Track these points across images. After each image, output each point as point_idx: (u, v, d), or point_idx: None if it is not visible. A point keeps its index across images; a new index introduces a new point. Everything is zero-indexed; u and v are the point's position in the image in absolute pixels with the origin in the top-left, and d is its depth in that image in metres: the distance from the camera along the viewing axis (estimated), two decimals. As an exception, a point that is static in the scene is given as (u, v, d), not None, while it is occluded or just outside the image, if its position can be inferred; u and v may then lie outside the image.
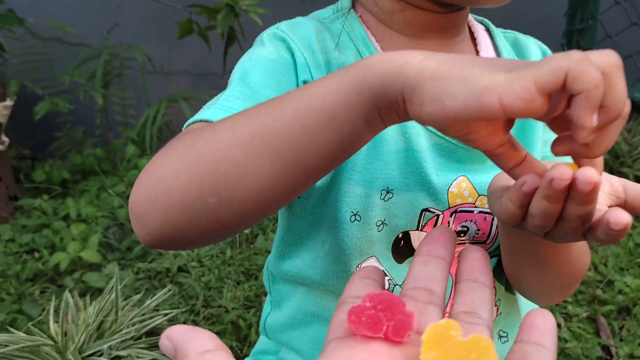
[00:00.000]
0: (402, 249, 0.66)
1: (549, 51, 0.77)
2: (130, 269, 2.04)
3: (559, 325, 1.76)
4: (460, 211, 0.65)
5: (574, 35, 2.50)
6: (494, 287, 0.76)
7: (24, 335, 1.58)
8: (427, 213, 0.65)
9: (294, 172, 0.42)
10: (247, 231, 2.25)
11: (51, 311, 1.64)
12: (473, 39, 0.72)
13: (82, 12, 3.34)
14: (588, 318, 1.79)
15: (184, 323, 1.75)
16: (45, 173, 2.74)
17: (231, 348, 1.67)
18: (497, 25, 0.76)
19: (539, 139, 0.69)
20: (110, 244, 2.18)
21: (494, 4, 0.60)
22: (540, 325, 0.32)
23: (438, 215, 0.65)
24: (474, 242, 0.68)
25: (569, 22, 2.57)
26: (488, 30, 0.74)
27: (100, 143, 3.20)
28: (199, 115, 0.57)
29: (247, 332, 1.71)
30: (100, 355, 1.49)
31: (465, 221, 0.66)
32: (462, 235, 0.67)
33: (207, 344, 0.28)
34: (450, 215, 0.65)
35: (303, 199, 0.67)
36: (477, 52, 0.70)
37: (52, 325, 1.59)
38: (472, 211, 0.66)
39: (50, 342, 1.53)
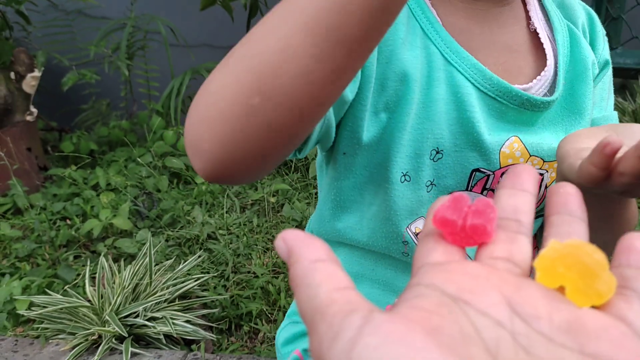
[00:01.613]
0: None
1: (594, 14, 0.76)
2: (160, 236, 2.08)
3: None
4: None
5: (603, 2, 2.45)
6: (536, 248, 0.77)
7: (61, 297, 1.63)
8: (478, 173, 0.65)
9: (331, 46, 0.38)
10: (273, 200, 2.27)
11: (87, 275, 1.69)
12: (523, 1, 0.71)
13: (104, -16, 3.35)
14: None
15: (215, 288, 1.79)
16: (73, 144, 2.78)
17: (261, 312, 1.71)
18: None
19: (590, 102, 0.70)
20: (140, 212, 2.22)
21: None
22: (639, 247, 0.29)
23: (488, 176, 0.66)
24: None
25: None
26: None
27: (125, 115, 3.24)
28: None
29: (276, 297, 1.74)
30: (136, 317, 1.54)
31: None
32: None
33: (320, 253, 0.27)
34: (501, 176, 0.65)
35: (349, 156, 0.66)
36: (527, 13, 0.70)
37: (88, 288, 1.64)
38: None
39: (87, 304, 1.58)
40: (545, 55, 0.68)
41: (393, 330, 0.22)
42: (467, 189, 0.66)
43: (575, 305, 0.26)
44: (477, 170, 0.65)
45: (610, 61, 0.75)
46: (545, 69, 0.67)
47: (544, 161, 0.67)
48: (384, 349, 0.21)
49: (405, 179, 0.64)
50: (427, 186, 0.65)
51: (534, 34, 0.69)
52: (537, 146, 0.66)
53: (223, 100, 0.41)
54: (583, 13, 0.75)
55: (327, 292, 0.25)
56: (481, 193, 0.66)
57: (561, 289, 0.27)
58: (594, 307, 0.27)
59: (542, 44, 0.68)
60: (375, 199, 0.67)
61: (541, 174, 0.67)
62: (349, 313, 0.23)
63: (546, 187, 0.67)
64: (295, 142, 0.45)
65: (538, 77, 0.66)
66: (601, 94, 0.74)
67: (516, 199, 0.32)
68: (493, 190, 0.66)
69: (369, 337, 0.22)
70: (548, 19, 0.71)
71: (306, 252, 0.27)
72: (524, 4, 0.71)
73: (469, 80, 0.63)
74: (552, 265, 0.27)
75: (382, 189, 0.66)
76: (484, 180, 0.66)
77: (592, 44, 0.73)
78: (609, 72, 0.75)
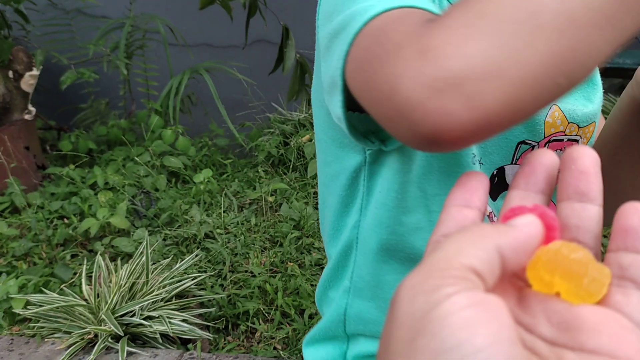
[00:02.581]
0: (496, 185, 0.66)
1: None
2: (157, 235, 2.07)
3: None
4: (553, 140, 0.66)
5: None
6: None
7: (57, 296, 1.62)
8: (523, 145, 0.64)
9: (621, 42, 0.40)
10: (271, 199, 2.27)
11: (83, 274, 1.68)
12: None
13: (103, -17, 3.34)
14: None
15: (212, 287, 1.78)
16: (71, 143, 2.78)
17: (258, 311, 1.70)
18: None
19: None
20: (137, 211, 2.21)
21: None
22: (638, 228, 0.27)
23: (533, 147, 0.65)
24: None
25: None
26: None
27: (123, 114, 3.23)
28: (382, 5, 0.46)
29: (273, 296, 1.74)
30: (133, 316, 1.53)
31: (556, 150, 0.66)
32: None
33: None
34: (544, 146, 0.66)
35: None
36: None
37: (84, 287, 1.63)
38: (562, 139, 0.66)
39: (84, 303, 1.57)
40: None
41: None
42: (512, 162, 0.65)
43: (572, 304, 0.26)
44: (523, 142, 0.64)
45: None
46: None
47: (579, 127, 0.67)
48: None
49: (475, 160, 0.62)
50: (474, 165, 0.64)
51: None
52: (573, 112, 0.66)
53: (535, 64, 0.36)
54: None
55: None
56: None
57: (558, 293, 0.27)
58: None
59: None
60: (442, 188, 0.64)
61: (576, 140, 0.68)
62: None
63: None
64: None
65: None
66: None
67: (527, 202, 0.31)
68: None
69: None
70: None
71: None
72: None
73: None
74: (539, 275, 0.27)
75: (452, 174, 0.62)
76: (529, 151, 0.65)
77: None
78: None
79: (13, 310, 1.64)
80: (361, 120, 0.61)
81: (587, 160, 0.30)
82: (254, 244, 2.00)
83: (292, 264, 1.89)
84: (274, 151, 2.63)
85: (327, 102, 0.57)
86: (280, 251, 1.95)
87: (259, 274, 1.83)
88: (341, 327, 0.75)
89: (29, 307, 1.62)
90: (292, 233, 2.03)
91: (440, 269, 0.24)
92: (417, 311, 0.23)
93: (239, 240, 2.02)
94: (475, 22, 0.38)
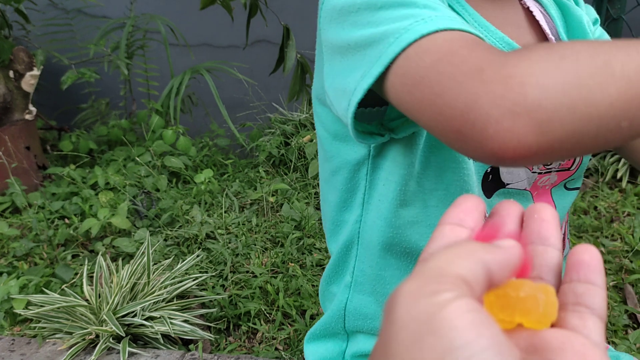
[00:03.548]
0: (490, 183, 0.67)
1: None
2: (159, 235, 2.07)
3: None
4: None
5: (603, 3, 2.45)
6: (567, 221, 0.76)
7: (58, 296, 1.62)
8: None
9: None
10: (272, 199, 2.27)
11: (84, 274, 1.68)
12: None
13: (104, -17, 3.34)
14: (615, 287, 1.79)
15: (213, 287, 1.78)
16: (72, 143, 2.77)
17: (260, 312, 1.70)
18: None
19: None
20: (138, 211, 2.21)
21: None
22: (589, 262, 0.31)
23: None
24: (559, 170, 0.69)
25: None
26: None
27: (124, 114, 3.23)
28: (430, 27, 0.49)
29: (274, 296, 1.73)
30: (134, 316, 1.53)
31: None
32: (549, 164, 0.68)
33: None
34: None
35: (417, 136, 0.64)
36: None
37: (85, 287, 1.63)
38: None
39: (85, 303, 1.57)
40: (542, 30, 0.70)
41: None
42: None
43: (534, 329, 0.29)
44: None
45: (599, 19, 0.79)
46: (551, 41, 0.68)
47: None
48: None
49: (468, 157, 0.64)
50: (469, 161, 0.65)
51: (527, 12, 0.71)
52: None
53: (604, 105, 0.41)
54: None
55: None
56: None
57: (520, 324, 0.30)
58: (553, 325, 0.30)
59: (537, 21, 0.70)
60: (438, 183, 0.65)
61: None
62: None
63: None
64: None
65: None
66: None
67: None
68: None
69: None
70: None
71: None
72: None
73: None
74: (499, 318, 0.29)
75: (448, 170, 0.64)
76: None
77: (579, 6, 0.77)
78: (600, 29, 0.79)
79: (14, 311, 1.64)
80: (367, 114, 0.62)
81: (548, 213, 0.34)
82: (255, 245, 2.00)
83: (293, 264, 1.89)
84: (274, 151, 2.63)
85: (333, 102, 0.58)
86: (281, 251, 1.95)
87: (260, 274, 1.82)
88: (341, 323, 0.76)
89: (30, 307, 1.62)
90: (293, 233, 2.03)
91: (436, 276, 0.26)
92: (422, 313, 0.25)
93: (240, 240, 2.02)
94: (556, 61, 0.42)
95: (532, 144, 0.41)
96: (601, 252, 1.93)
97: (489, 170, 0.66)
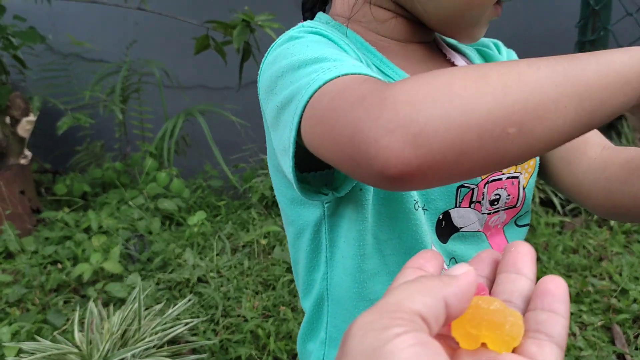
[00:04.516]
0: (445, 228, 0.70)
1: (499, 42, 0.83)
2: (151, 279, 2.08)
3: (574, 335, 1.77)
4: (492, 180, 0.70)
5: (585, 46, 2.52)
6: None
7: (50, 343, 1.62)
8: (462, 189, 0.68)
9: (583, 123, 0.45)
10: (264, 242, 2.29)
11: (76, 320, 1.69)
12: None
13: (100, 28, 3.42)
14: (603, 327, 1.80)
15: (204, 332, 1.79)
16: (66, 186, 2.80)
17: (251, 357, 1.70)
18: (509, 37, 0.83)
19: None
20: (131, 255, 2.23)
21: (467, 41, 0.70)
22: (553, 291, 0.32)
23: (473, 189, 0.69)
24: (506, 208, 0.72)
25: (580, 33, 2.60)
26: None
27: (119, 157, 3.27)
28: (332, 74, 0.52)
29: (265, 340, 1.74)
30: (125, 363, 1.53)
31: (497, 189, 0.70)
32: (495, 203, 0.71)
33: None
34: (484, 187, 0.69)
35: (365, 192, 0.66)
36: (441, 51, 0.77)
37: (77, 334, 1.63)
38: (501, 178, 0.70)
39: (76, 350, 1.57)
40: None
41: None
42: (455, 206, 0.69)
43: (497, 353, 0.31)
44: (462, 186, 0.68)
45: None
46: None
47: (516, 165, 0.71)
48: None
49: (417, 206, 0.66)
50: (417, 210, 0.68)
51: (452, 65, 0.75)
52: None
53: (482, 113, 0.42)
54: (490, 42, 0.83)
55: None
56: (469, 206, 0.70)
57: (484, 344, 0.31)
58: (512, 352, 0.31)
59: None
60: (392, 233, 0.68)
61: (516, 177, 0.71)
62: None
63: (523, 187, 0.72)
64: (500, 168, 0.49)
65: None
66: None
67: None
68: (480, 203, 0.70)
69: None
70: (457, 51, 0.78)
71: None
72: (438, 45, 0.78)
73: None
74: (466, 331, 0.31)
75: (399, 220, 0.67)
76: (470, 194, 0.69)
77: (500, 53, 0.82)
78: None
79: (6, 359, 1.64)
80: (314, 177, 0.65)
81: (525, 248, 0.36)
82: (246, 288, 2.01)
83: (284, 307, 1.90)
84: (267, 192, 2.66)
85: (282, 165, 0.62)
86: (273, 294, 1.96)
87: (251, 318, 1.83)
88: None
89: (21, 355, 1.62)
90: (284, 276, 2.05)
91: (390, 311, 0.27)
92: (368, 347, 0.26)
93: (231, 284, 2.03)
94: (429, 79, 0.45)
95: (411, 158, 0.42)
96: (589, 291, 1.95)
97: (441, 217, 0.69)
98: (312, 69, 0.55)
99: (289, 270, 2.11)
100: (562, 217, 2.51)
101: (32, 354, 1.59)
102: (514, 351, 0.31)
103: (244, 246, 2.34)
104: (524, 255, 0.36)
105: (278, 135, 0.60)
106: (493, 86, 0.43)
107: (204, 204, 2.78)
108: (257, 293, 2.00)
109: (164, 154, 2.84)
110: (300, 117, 0.53)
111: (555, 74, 0.44)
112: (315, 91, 0.52)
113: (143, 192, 2.61)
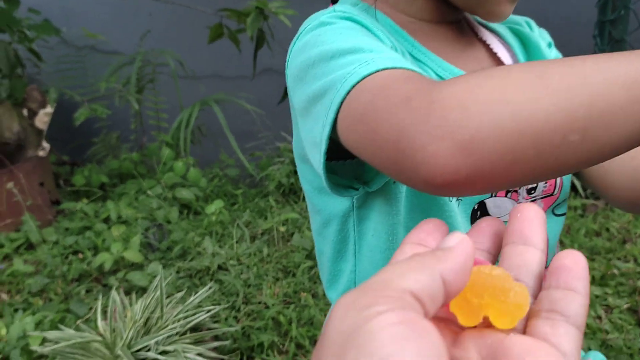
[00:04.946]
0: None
1: (530, 19, 0.80)
2: (171, 267, 2.09)
3: (599, 318, 1.75)
4: None
5: (606, 25, 2.47)
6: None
7: (73, 332, 1.63)
8: None
9: None
10: (283, 229, 2.28)
11: (99, 309, 1.70)
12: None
13: (113, 20, 3.42)
14: (629, 309, 1.78)
15: (226, 319, 1.79)
16: (85, 177, 2.81)
17: (273, 343, 1.70)
18: (528, 15, 0.81)
19: None
20: (150, 244, 2.23)
21: (494, 19, 0.66)
22: (571, 267, 0.29)
23: None
24: (543, 196, 0.69)
25: (600, 12, 2.55)
26: None
27: (135, 147, 3.28)
28: (370, 68, 0.49)
29: (287, 327, 1.74)
30: (148, 351, 1.54)
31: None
32: (532, 192, 0.68)
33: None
34: None
35: (398, 185, 0.65)
36: (472, 30, 0.74)
37: (100, 322, 1.64)
38: None
39: (100, 339, 1.58)
40: (501, 61, 0.71)
41: None
42: (490, 196, 0.67)
43: (500, 332, 0.27)
44: None
45: (552, 42, 0.80)
46: None
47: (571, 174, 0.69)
48: None
49: (450, 198, 0.64)
50: (451, 202, 0.66)
51: (485, 45, 0.73)
52: None
53: (539, 119, 0.39)
54: (522, 20, 0.79)
55: None
56: (505, 196, 0.68)
57: (486, 319, 0.28)
58: (522, 332, 0.28)
59: (495, 53, 0.71)
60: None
61: None
62: None
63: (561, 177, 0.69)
64: (553, 177, 0.45)
65: None
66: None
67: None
68: (517, 191, 0.67)
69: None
70: (490, 30, 0.75)
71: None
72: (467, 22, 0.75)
73: None
74: (467, 301, 0.28)
75: (433, 212, 0.64)
76: None
77: (532, 31, 0.78)
78: (555, 51, 0.80)
79: (30, 348, 1.65)
80: (343, 167, 0.63)
81: (532, 212, 0.32)
82: (266, 275, 2.01)
83: (305, 294, 1.89)
84: (284, 180, 2.65)
85: (310, 158, 0.60)
86: (293, 281, 1.96)
87: (272, 305, 1.83)
88: None
89: (46, 343, 1.63)
90: (304, 263, 2.04)
91: (375, 290, 0.25)
92: (348, 327, 0.23)
93: (251, 271, 2.03)
94: (481, 80, 0.41)
95: (460, 167, 0.40)
96: (614, 274, 1.92)
97: (476, 207, 0.66)
98: (347, 60, 0.52)
99: (308, 257, 2.10)
100: (584, 199, 2.47)
101: (57, 342, 1.60)
102: (524, 332, 0.28)
103: (262, 234, 2.34)
104: (530, 222, 0.32)
105: (308, 127, 0.57)
106: (553, 88, 0.39)
107: (221, 192, 2.78)
108: (277, 280, 1.99)
109: (180, 143, 2.84)
110: (336, 114, 0.50)
111: (625, 76, 0.39)
112: (353, 87, 0.49)
113: (160, 181, 2.62)
